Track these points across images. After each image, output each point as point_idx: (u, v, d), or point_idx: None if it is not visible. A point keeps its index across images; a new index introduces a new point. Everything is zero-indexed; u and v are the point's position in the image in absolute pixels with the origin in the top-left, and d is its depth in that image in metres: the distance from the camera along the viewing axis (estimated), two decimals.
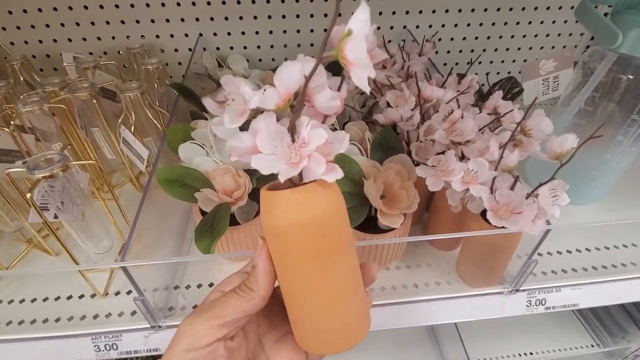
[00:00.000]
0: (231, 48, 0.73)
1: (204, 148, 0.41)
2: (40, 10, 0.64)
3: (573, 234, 0.53)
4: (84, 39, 0.68)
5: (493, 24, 0.75)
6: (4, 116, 0.46)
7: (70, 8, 0.65)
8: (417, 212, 0.42)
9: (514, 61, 0.81)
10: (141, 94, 0.49)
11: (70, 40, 0.68)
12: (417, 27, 0.73)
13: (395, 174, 0.40)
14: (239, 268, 0.27)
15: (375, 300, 0.44)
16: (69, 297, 0.44)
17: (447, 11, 0.72)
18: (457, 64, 0.80)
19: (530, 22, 0.75)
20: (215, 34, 0.71)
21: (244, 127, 0.20)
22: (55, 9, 0.64)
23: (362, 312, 0.25)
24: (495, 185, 0.36)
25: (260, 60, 0.75)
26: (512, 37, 0.77)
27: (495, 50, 0.79)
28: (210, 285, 0.46)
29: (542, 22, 0.76)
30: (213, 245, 0.35)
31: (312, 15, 0.70)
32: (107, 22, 0.67)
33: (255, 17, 0.69)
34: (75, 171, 0.40)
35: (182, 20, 0.68)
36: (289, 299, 0.24)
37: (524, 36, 0.77)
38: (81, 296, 0.44)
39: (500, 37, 0.77)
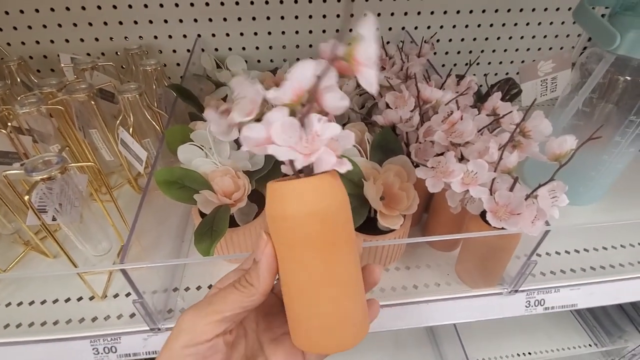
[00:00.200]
0: (229, 49, 0.73)
1: (203, 149, 0.41)
2: (37, 10, 0.64)
3: (572, 234, 0.54)
4: (82, 40, 0.68)
5: (491, 25, 0.75)
6: (1, 117, 0.46)
7: (68, 9, 0.64)
8: (416, 213, 0.42)
9: (511, 62, 0.82)
10: (139, 95, 0.49)
11: (67, 41, 0.68)
12: (416, 28, 0.73)
13: (394, 175, 0.40)
14: None
15: None
16: (67, 300, 0.44)
17: (445, 12, 0.72)
18: (455, 65, 0.80)
19: (528, 24, 0.76)
20: (213, 35, 0.70)
21: None
22: (52, 9, 0.64)
23: (363, 311, 0.25)
24: (495, 187, 0.36)
25: (258, 61, 0.75)
26: (510, 38, 0.78)
27: (493, 51, 0.79)
28: (209, 287, 0.46)
29: (539, 24, 0.76)
30: (213, 248, 0.35)
31: (310, 17, 0.70)
32: (105, 23, 0.66)
33: (253, 18, 0.69)
34: (74, 173, 0.40)
35: (181, 21, 0.68)
36: (292, 292, 0.24)
37: (522, 37, 0.78)
38: (79, 299, 0.44)
39: (498, 38, 0.77)
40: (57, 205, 0.38)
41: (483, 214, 0.37)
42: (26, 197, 0.34)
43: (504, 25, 0.75)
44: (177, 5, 0.66)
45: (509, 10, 0.73)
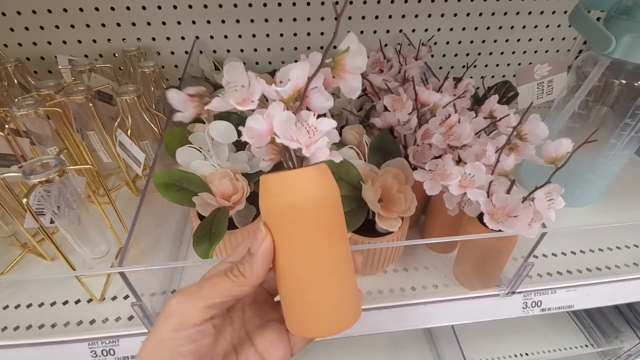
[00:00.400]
0: (228, 51, 0.73)
1: (201, 152, 0.41)
2: (34, 12, 0.64)
3: (568, 236, 0.54)
4: (79, 42, 0.68)
5: (488, 28, 0.76)
6: None
7: (65, 10, 0.64)
8: (414, 215, 0.42)
9: (508, 65, 0.82)
10: (137, 97, 0.49)
11: (65, 42, 0.67)
12: (413, 30, 0.74)
13: (392, 178, 0.40)
14: None
15: (373, 303, 0.44)
16: (65, 303, 0.44)
17: (442, 15, 0.73)
18: (452, 67, 0.81)
19: (524, 27, 0.76)
20: (212, 37, 0.71)
21: None
22: (49, 11, 0.64)
23: (357, 295, 0.26)
24: (492, 189, 0.36)
25: (257, 63, 0.75)
26: (507, 41, 0.78)
27: (490, 54, 0.80)
28: None
29: (536, 27, 0.77)
30: (212, 250, 0.35)
31: (308, 19, 0.70)
32: (103, 25, 0.66)
33: (252, 20, 0.69)
34: (72, 175, 0.40)
35: (179, 23, 0.68)
36: (291, 278, 0.24)
37: (519, 40, 0.78)
38: (77, 301, 0.44)
39: (495, 41, 0.78)
40: (55, 208, 0.38)
41: (480, 216, 0.37)
42: (24, 200, 0.34)
43: (500, 28, 0.76)
44: (175, 7, 0.66)
45: (505, 14, 0.74)
